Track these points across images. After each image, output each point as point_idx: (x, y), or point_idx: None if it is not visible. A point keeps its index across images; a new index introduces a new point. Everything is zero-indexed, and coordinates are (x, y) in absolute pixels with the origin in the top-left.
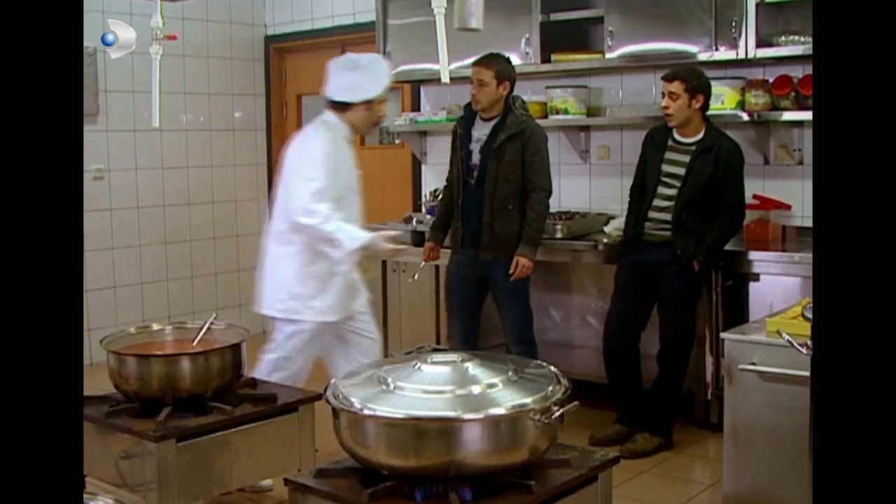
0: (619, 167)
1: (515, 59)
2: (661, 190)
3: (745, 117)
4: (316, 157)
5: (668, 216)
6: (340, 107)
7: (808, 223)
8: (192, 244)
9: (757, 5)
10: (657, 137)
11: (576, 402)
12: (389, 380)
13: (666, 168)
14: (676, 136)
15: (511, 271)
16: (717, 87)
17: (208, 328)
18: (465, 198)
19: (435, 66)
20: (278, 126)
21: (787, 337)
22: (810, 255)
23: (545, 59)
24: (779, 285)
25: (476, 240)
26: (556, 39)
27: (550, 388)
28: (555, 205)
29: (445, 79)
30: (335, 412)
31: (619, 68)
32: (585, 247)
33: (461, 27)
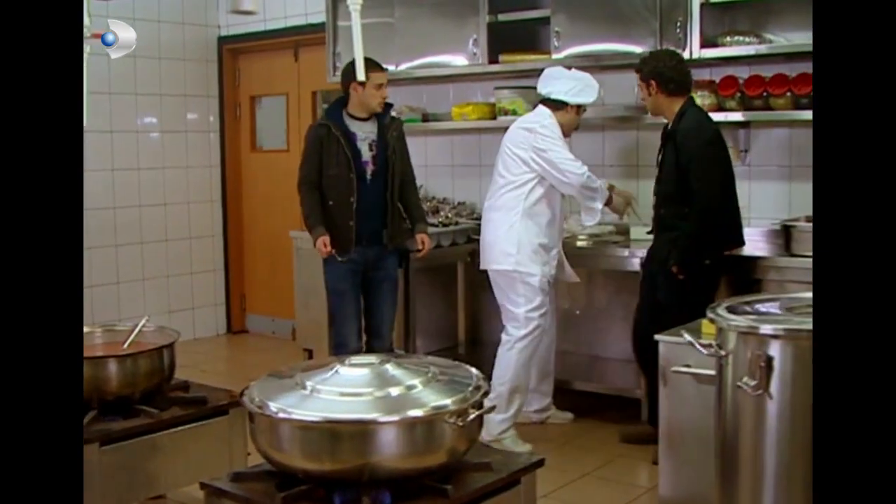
0: None
1: (462, 60)
2: (655, 187)
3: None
4: (559, 139)
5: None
6: (557, 106)
7: (755, 224)
8: (143, 246)
9: (702, 5)
10: (663, 130)
11: (493, 405)
12: (308, 383)
13: (660, 159)
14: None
15: (420, 247)
16: None
17: (140, 331)
18: (362, 195)
19: (387, 67)
20: (232, 127)
21: (687, 337)
22: (755, 256)
23: (493, 60)
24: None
25: (377, 235)
26: (503, 40)
27: (470, 389)
28: None
29: (361, 76)
30: (251, 416)
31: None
32: None
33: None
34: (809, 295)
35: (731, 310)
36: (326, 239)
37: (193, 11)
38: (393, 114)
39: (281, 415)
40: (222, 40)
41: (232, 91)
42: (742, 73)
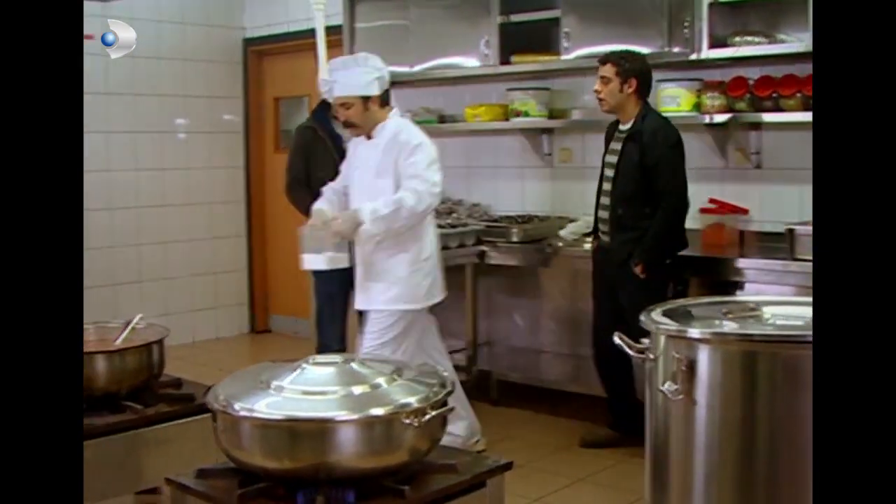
0: (581, 170)
1: (475, 62)
2: (605, 186)
3: (706, 119)
4: None
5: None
6: None
7: (766, 228)
8: (167, 246)
9: (710, 5)
10: (609, 130)
11: (452, 406)
12: (273, 382)
13: (607, 159)
14: (620, 126)
15: None
16: (673, 89)
17: (132, 328)
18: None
19: (400, 70)
20: (256, 129)
21: (616, 340)
22: (765, 261)
23: (505, 61)
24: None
25: None
26: (515, 41)
27: (434, 389)
28: (517, 208)
29: (324, 74)
30: (213, 415)
31: (582, 69)
32: (536, 250)
33: None
34: (759, 298)
35: (668, 313)
36: None
37: (218, 13)
38: None
39: (241, 413)
40: (248, 42)
41: (257, 92)
42: (752, 73)
